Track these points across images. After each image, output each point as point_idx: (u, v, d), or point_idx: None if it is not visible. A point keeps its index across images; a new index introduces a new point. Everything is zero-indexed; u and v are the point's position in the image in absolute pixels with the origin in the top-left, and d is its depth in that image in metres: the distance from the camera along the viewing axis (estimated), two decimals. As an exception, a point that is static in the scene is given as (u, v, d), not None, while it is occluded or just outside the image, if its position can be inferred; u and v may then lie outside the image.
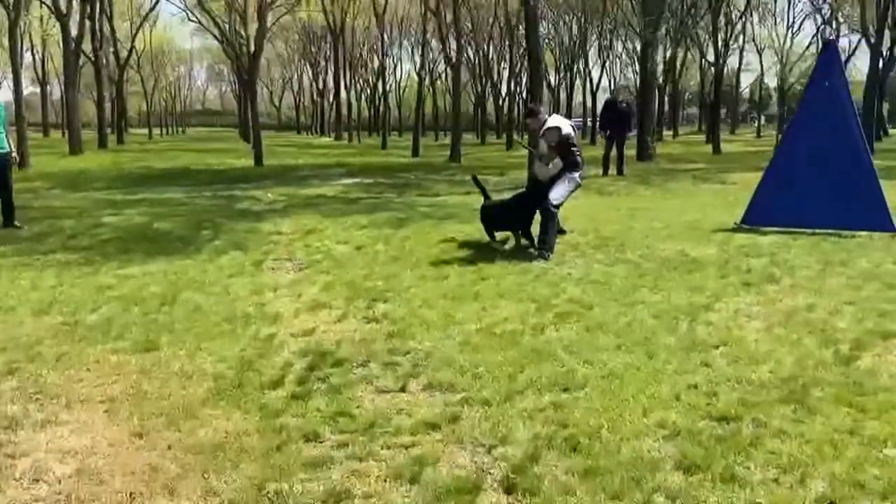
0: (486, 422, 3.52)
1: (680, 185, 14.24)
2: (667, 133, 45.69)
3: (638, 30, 19.40)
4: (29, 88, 49.10)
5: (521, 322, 5.08)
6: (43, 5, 30.65)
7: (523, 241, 7.70)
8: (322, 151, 31.10)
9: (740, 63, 49.56)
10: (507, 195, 8.63)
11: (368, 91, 56.56)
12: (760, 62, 49.61)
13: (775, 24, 45.61)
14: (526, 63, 47.63)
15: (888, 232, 7.92)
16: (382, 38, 34.14)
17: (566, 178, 7.17)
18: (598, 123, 21.20)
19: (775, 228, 8.32)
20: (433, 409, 3.68)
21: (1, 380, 4.08)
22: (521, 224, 7.62)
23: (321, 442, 3.34)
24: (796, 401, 3.67)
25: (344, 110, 47.74)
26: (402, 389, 3.97)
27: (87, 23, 30.14)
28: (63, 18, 26.99)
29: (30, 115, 28.41)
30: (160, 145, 38.60)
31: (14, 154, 9.65)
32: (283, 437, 3.37)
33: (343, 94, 46.53)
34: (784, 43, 50.54)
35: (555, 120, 7.38)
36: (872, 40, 26.68)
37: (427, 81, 50.15)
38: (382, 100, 37.82)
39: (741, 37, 45.56)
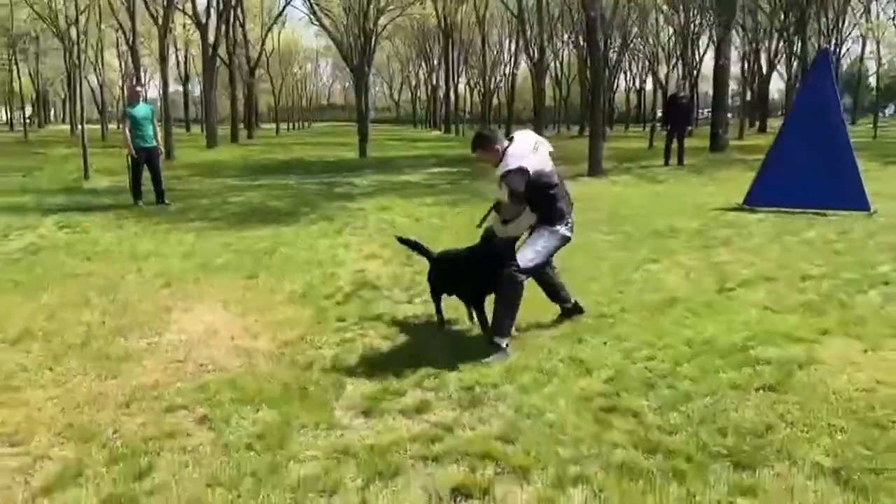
0: (454, 315, 5.53)
1: (729, 173, 15.50)
2: (775, 125, 45.17)
3: (715, 26, 20.51)
4: (172, 87, 54.61)
5: (511, 267, 7.04)
6: (185, 15, 34.58)
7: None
8: (426, 144, 33.55)
9: (863, 52, 48.19)
10: None
11: (481, 85, 58.84)
12: (878, 52, 47.95)
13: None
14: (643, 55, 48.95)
15: (863, 210, 9.24)
16: (483, 37, 36.22)
17: (543, 231, 4.83)
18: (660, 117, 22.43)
19: (771, 208, 9.79)
20: (423, 310, 5.73)
21: (162, 289, 6.48)
22: (475, 290, 5.03)
23: (345, 321, 5.48)
24: (659, 310, 5.49)
25: (456, 104, 50.22)
26: (409, 301, 6.05)
27: (224, 28, 33.88)
28: (202, 27, 30.67)
29: (173, 111, 32.40)
30: (284, 140, 42.31)
31: (160, 148, 12.35)
32: (323, 318, 5.54)
33: (455, 88, 48.99)
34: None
35: (518, 152, 4.70)
36: None
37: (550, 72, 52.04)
38: (486, 94, 39.83)
39: (864, 23, 44.50)
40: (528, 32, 22.57)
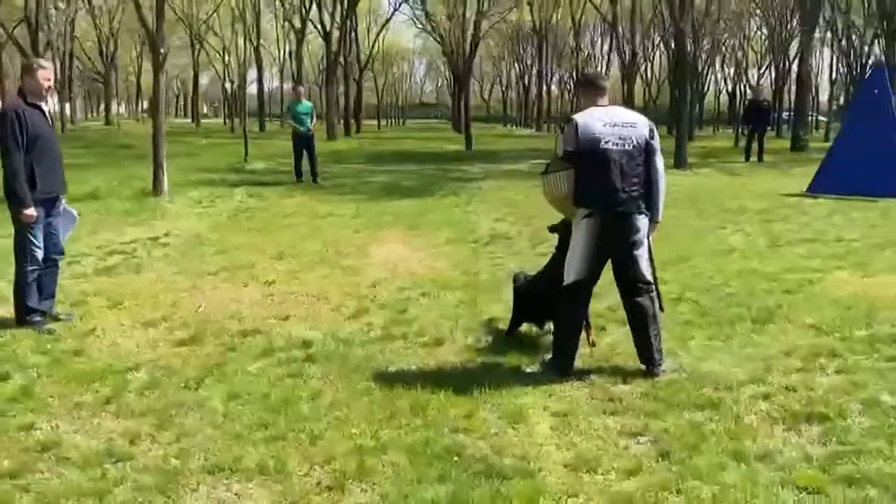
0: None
1: (802, 169, 16.89)
2: None
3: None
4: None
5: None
6: (315, 27, 38.00)
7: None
8: (519, 140, 35.83)
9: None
10: None
11: (571, 86, 60.60)
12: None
13: None
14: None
15: (910, 198, 10.98)
16: (577, 39, 38.18)
17: (577, 227, 4.36)
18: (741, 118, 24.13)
19: (830, 196, 11.57)
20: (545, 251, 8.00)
21: (354, 234, 8.96)
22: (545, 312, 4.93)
23: (493, 254, 7.79)
24: (721, 255, 7.58)
25: (549, 103, 52.29)
26: (533, 248, 8.31)
27: (343, 35, 37.06)
28: (327, 38, 33.91)
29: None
30: (388, 134, 45.33)
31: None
32: (475, 252, 7.88)
33: (547, 88, 51.04)
34: None
35: (590, 111, 4.34)
36: None
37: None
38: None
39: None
40: (620, 35, 24.42)
